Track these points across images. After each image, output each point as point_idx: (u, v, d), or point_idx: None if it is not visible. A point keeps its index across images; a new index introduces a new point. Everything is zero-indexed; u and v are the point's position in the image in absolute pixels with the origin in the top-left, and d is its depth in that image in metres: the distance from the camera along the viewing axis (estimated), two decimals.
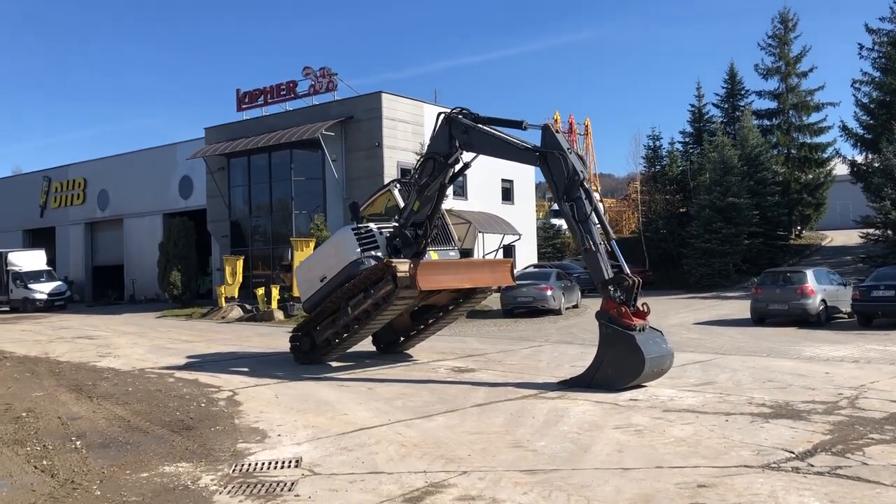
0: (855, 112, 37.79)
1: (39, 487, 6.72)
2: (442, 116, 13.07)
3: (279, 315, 27.39)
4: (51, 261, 45.69)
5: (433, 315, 15.36)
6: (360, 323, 13.75)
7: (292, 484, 6.60)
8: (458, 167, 13.39)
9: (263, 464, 7.33)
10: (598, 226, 11.50)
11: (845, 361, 13.55)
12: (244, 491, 6.45)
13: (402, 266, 12.69)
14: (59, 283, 39.46)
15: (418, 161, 13.67)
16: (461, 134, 12.70)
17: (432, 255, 13.98)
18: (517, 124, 12.29)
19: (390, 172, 30.57)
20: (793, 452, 7.19)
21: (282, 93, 34.35)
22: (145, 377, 13.55)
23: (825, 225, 45.92)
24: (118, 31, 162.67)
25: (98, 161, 45.97)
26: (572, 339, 18.21)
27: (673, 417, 8.94)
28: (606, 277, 11.12)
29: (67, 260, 46.68)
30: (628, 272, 11.16)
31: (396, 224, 13.82)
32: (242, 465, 7.30)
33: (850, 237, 40.72)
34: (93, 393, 11.84)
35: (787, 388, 10.73)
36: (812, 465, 6.74)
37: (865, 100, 37.09)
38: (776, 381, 11.36)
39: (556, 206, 61.35)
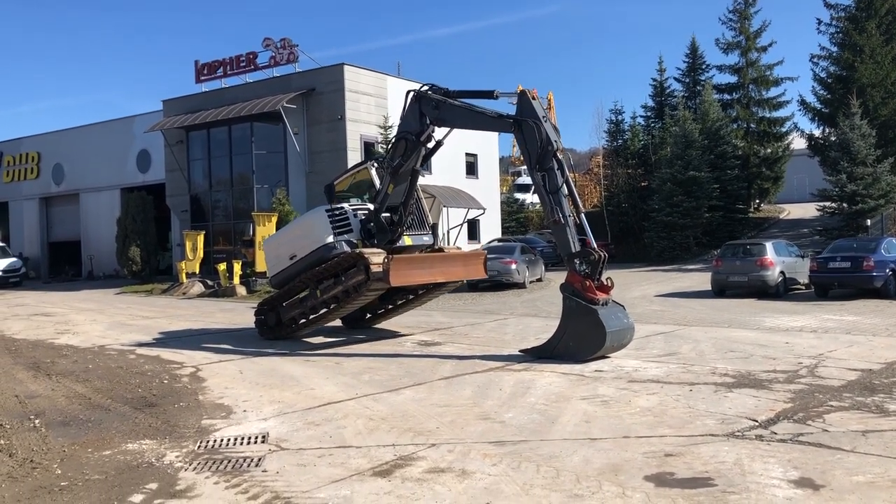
0: (813, 87, 38.21)
1: None
2: (411, 94, 12.87)
3: (241, 291, 27.07)
4: (4, 237, 44.58)
5: (402, 297, 15.28)
6: (329, 307, 13.60)
7: (259, 459, 6.53)
8: (430, 145, 13.20)
9: (229, 440, 7.25)
10: (569, 198, 11.47)
11: (804, 331, 13.82)
12: (210, 467, 6.37)
13: (376, 258, 12.44)
14: (13, 259, 38.41)
15: (390, 142, 13.50)
16: (432, 110, 12.54)
17: (406, 239, 13.81)
18: (488, 94, 12.18)
19: (353, 145, 30.29)
20: (756, 421, 7.31)
21: (241, 64, 33.68)
22: (105, 354, 13.30)
23: (783, 198, 46.78)
24: (70, 0, 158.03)
25: (52, 134, 44.72)
26: (537, 312, 18.30)
27: (638, 388, 9.03)
28: (573, 251, 11.16)
29: (22, 236, 45.52)
30: (595, 246, 11.20)
31: (371, 205, 13.63)
32: (208, 442, 7.20)
33: (806, 210, 41.49)
34: (51, 370, 11.59)
35: (748, 358, 10.91)
36: (775, 433, 6.86)
37: (823, 74, 37.50)
38: (738, 352, 11.54)
39: (519, 181, 61.26)
